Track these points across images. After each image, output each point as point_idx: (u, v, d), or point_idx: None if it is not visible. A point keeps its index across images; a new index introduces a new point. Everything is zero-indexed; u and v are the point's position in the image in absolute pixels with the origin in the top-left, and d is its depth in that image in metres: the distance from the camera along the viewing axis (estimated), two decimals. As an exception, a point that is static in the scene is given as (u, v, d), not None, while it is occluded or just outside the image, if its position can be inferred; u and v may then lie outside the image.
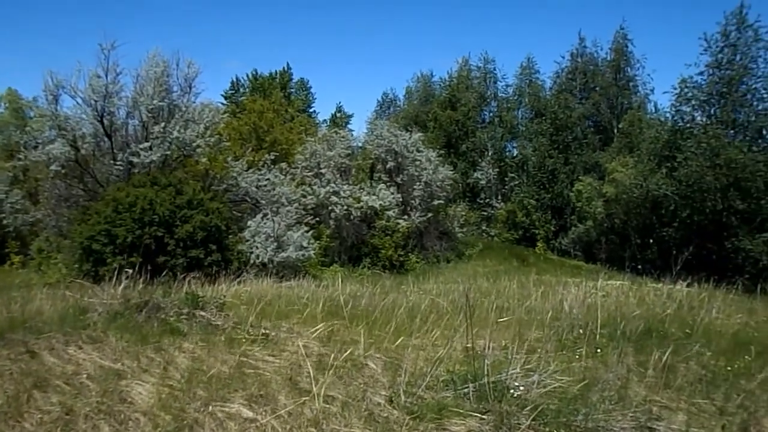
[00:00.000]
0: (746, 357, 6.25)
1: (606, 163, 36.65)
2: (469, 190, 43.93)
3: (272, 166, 24.76)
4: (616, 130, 42.12)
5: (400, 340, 6.05)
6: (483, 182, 43.39)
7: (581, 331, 6.91)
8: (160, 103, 20.92)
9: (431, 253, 30.04)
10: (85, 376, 4.89)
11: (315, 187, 27.31)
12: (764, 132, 29.03)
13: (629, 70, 44.30)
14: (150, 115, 20.85)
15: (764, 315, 10.02)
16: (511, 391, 4.32)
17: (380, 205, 27.71)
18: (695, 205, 27.51)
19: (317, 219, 25.81)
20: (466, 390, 4.39)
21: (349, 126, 54.03)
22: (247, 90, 52.57)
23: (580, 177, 38.09)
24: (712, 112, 29.83)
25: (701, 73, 29.96)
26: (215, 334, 6.29)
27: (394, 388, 4.54)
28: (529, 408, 4.03)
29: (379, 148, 30.79)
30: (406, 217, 29.01)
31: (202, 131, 21.32)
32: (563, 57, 45.89)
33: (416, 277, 19.35)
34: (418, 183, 30.19)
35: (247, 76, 54.26)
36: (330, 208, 27.17)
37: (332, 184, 27.77)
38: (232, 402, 4.30)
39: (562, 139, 40.07)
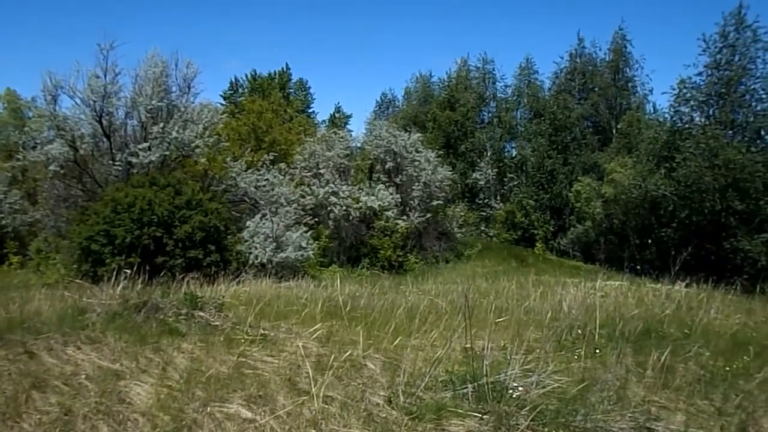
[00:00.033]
0: (745, 357, 6.26)
1: (605, 164, 36.69)
2: (468, 190, 43.95)
3: (271, 167, 24.76)
4: (614, 131, 42.17)
5: (399, 341, 6.05)
6: (482, 183, 43.43)
7: (580, 331, 6.91)
8: (159, 104, 20.91)
9: (430, 254, 30.06)
10: (83, 376, 4.88)
11: (314, 188, 27.33)
12: (763, 132, 29.06)
13: (628, 70, 44.40)
14: (149, 115, 20.84)
15: (763, 315, 10.02)
16: (510, 391, 4.32)
17: (379, 205, 27.72)
18: (694, 205, 27.54)
19: (316, 219, 25.81)
20: (464, 390, 4.39)
21: (348, 126, 54.14)
22: (246, 90, 52.60)
23: (578, 177, 38.13)
24: (710, 112, 29.88)
25: (700, 74, 30.07)
26: (214, 334, 6.29)
27: (392, 388, 4.54)
28: (527, 408, 4.03)
29: (378, 149, 30.81)
30: (405, 217, 29.03)
31: (200, 131, 21.32)
32: (562, 57, 46.08)
33: (415, 278, 19.35)
34: (417, 183, 30.21)
35: (246, 76, 54.37)
36: (329, 208, 27.18)
37: (331, 185, 27.78)
38: (230, 402, 4.30)
39: (560, 139, 40.11)
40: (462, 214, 36.77)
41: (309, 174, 28.70)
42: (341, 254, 27.11)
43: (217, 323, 6.72)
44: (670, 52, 79.43)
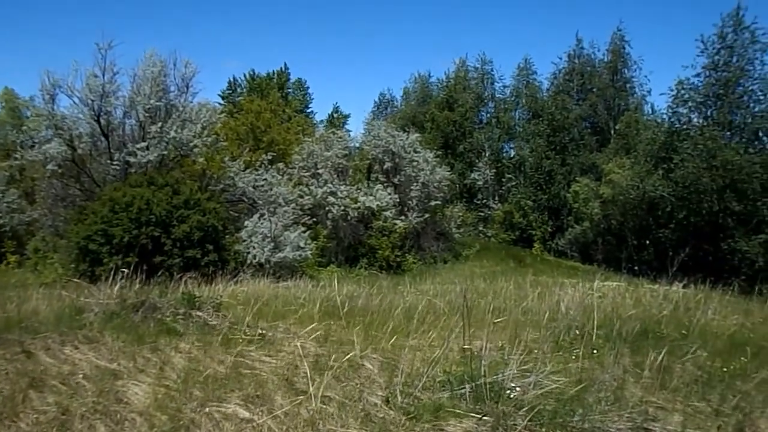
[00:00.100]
0: (742, 358, 6.27)
1: (603, 165, 36.71)
2: (466, 190, 43.96)
3: (269, 167, 24.75)
4: (613, 132, 42.19)
5: (397, 341, 6.05)
6: (480, 183, 43.43)
7: (578, 332, 6.92)
8: (157, 103, 20.90)
9: (428, 254, 30.06)
10: (81, 376, 4.88)
11: (312, 188, 27.32)
12: (760, 134, 29.12)
13: (626, 71, 44.40)
14: (147, 114, 20.83)
15: (760, 316, 10.04)
16: (508, 391, 4.33)
17: (377, 205, 27.71)
18: (692, 206, 27.59)
19: (314, 219, 25.80)
20: (462, 391, 4.39)
21: (346, 126, 54.12)
22: (245, 90, 52.57)
23: (576, 178, 38.16)
24: (708, 113, 29.93)
25: (698, 75, 30.12)
26: (212, 334, 6.28)
27: (390, 388, 4.54)
28: (525, 409, 4.03)
29: (376, 149, 30.81)
30: (403, 217, 29.04)
31: (199, 131, 21.31)
32: (560, 58, 46.07)
33: (413, 278, 19.34)
34: (415, 183, 30.21)
35: (245, 76, 54.36)
36: (327, 208, 27.17)
37: (329, 185, 27.77)
38: (228, 402, 4.30)
39: (559, 140, 40.14)
40: (460, 214, 36.76)
41: (307, 174, 28.70)
42: (339, 254, 27.11)
43: (215, 323, 6.72)
44: (668, 53, 79.72)
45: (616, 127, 41.53)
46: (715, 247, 26.52)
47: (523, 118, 47.81)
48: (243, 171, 23.54)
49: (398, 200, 29.08)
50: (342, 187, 27.96)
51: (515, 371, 4.58)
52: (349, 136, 36.41)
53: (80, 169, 20.94)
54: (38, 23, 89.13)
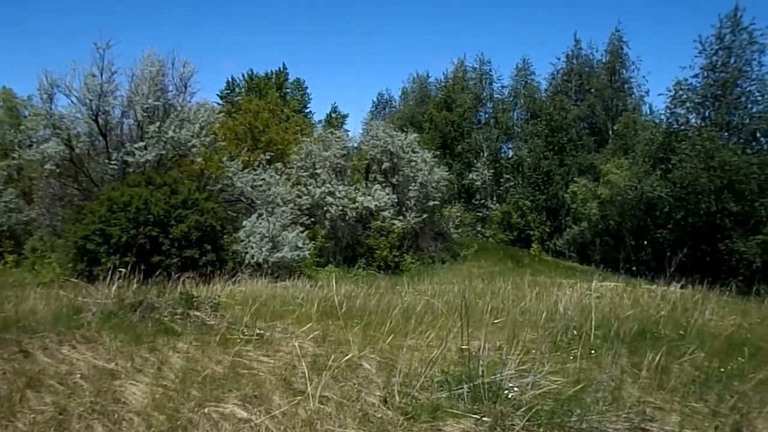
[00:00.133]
0: (739, 358, 6.27)
1: (601, 165, 36.73)
2: (465, 191, 43.97)
3: (267, 166, 24.76)
4: (611, 132, 42.20)
5: (394, 341, 6.05)
6: (478, 183, 43.45)
7: (575, 332, 6.92)
8: (156, 103, 20.87)
9: (426, 254, 30.07)
10: (78, 375, 4.87)
11: (310, 188, 27.33)
12: (758, 134, 29.16)
13: (624, 72, 44.39)
14: (145, 114, 20.81)
15: (758, 317, 10.05)
16: (506, 392, 4.33)
17: (375, 205, 27.72)
18: (689, 207, 27.62)
19: (312, 219, 25.79)
20: (460, 391, 4.39)
21: (344, 126, 54.10)
22: (243, 90, 52.55)
23: (575, 178, 38.16)
24: (706, 114, 29.96)
25: (696, 76, 30.16)
26: (210, 334, 6.28)
27: (388, 388, 4.54)
28: (523, 409, 4.03)
29: (374, 149, 30.82)
30: (401, 217, 29.04)
31: (197, 131, 21.29)
32: (558, 58, 46.00)
33: (411, 278, 19.34)
34: (413, 184, 30.21)
35: (243, 76, 54.33)
36: (325, 208, 27.17)
37: (328, 185, 27.77)
38: (226, 402, 4.30)
39: (557, 140, 40.15)
40: (458, 214, 36.77)
41: (305, 174, 28.70)
42: (337, 254, 27.11)
43: (213, 323, 6.71)
44: (666, 54, 79.74)
45: (614, 128, 41.53)
46: (712, 248, 26.56)
47: (521, 118, 47.80)
48: (241, 171, 23.52)
49: (396, 200, 29.08)
50: (340, 187, 27.97)
51: (513, 371, 4.58)
52: (348, 136, 36.41)
53: (78, 168, 20.92)
54: (36, 22, 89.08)
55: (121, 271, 7.84)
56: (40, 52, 79.28)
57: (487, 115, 48.68)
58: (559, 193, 38.92)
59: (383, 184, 29.54)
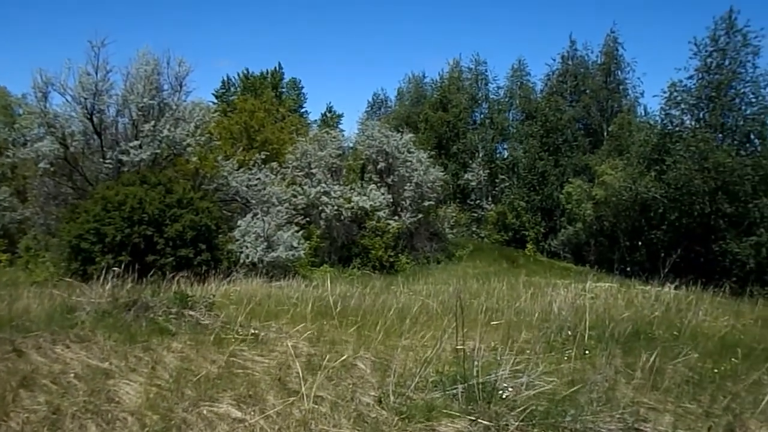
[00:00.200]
0: (733, 359, 6.30)
1: (596, 166, 36.83)
2: (460, 191, 44.02)
3: (263, 166, 24.73)
4: (605, 133, 42.34)
5: (389, 341, 6.05)
6: (473, 183, 43.50)
7: (570, 332, 6.94)
8: (151, 102, 20.81)
9: (421, 254, 30.08)
10: (72, 375, 4.86)
11: (306, 187, 27.30)
12: (752, 136, 29.33)
13: (619, 73, 44.53)
14: (140, 113, 20.75)
15: (751, 317, 10.10)
16: (500, 392, 4.33)
17: (371, 205, 27.72)
18: (684, 208, 27.73)
19: (307, 219, 25.78)
20: (455, 391, 4.39)
21: (339, 126, 54.09)
22: (238, 89, 52.43)
23: (569, 179, 38.26)
24: (700, 115, 30.07)
25: (690, 77, 30.25)
26: (204, 333, 6.27)
27: (383, 388, 4.54)
28: (518, 409, 4.04)
29: (370, 149, 30.82)
30: (396, 217, 29.04)
31: (192, 130, 21.25)
32: (554, 59, 46.09)
33: (406, 278, 19.37)
34: (408, 184, 30.23)
35: (239, 75, 54.20)
36: (320, 208, 27.16)
37: (323, 185, 27.76)
38: (220, 402, 4.29)
39: (552, 141, 40.24)
40: (453, 214, 36.83)
41: (301, 174, 28.67)
42: (332, 254, 27.10)
43: (207, 322, 6.70)
44: (661, 55, 79.98)
45: (609, 129, 41.66)
46: (706, 249, 26.67)
47: (516, 119, 47.88)
48: (236, 170, 23.49)
49: (392, 200, 29.09)
50: (335, 187, 27.96)
51: (508, 372, 4.58)
52: (343, 136, 36.43)
53: (72, 167, 20.84)
54: (31, 21, 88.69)
55: (115, 271, 7.82)
56: (35, 50, 79.04)
57: (482, 116, 48.76)
58: (554, 193, 39.01)
59: (378, 184, 29.54)
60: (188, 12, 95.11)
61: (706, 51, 29.48)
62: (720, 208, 26.62)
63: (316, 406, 4.17)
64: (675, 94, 30.33)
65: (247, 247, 19.92)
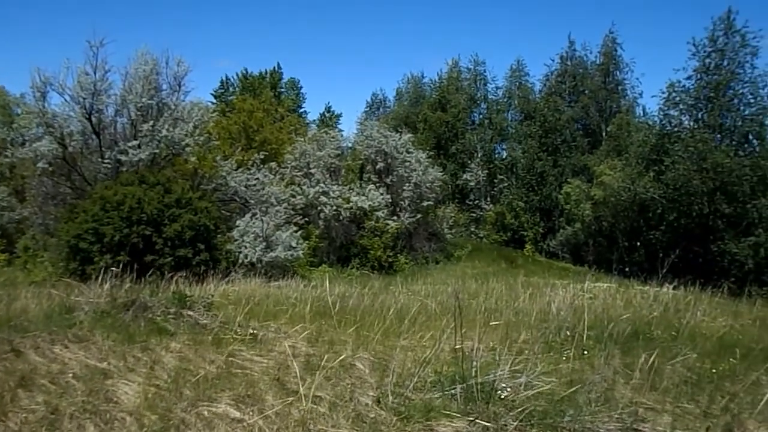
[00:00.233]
0: (731, 359, 6.30)
1: (594, 166, 36.85)
2: (459, 191, 44.04)
3: (261, 166, 24.71)
4: (604, 134, 42.36)
5: (388, 341, 6.05)
6: (472, 184, 43.53)
7: (568, 333, 6.94)
8: (149, 101, 20.79)
9: (420, 254, 30.09)
10: (70, 375, 4.85)
11: (304, 187, 27.30)
12: (750, 137, 29.36)
13: (618, 73, 44.56)
14: (139, 113, 20.73)
15: (749, 318, 10.11)
16: (499, 392, 4.33)
17: (369, 205, 27.73)
18: (682, 208, 27.75)
19: (306, 219, 25.78)
20: (453, 391, 4.39)
21: (338, 126, 54.09)
22: (237, 89, 52.41)
23: (568, 179, 38.28)
24: (699, 116, 30.09)
25: (689, 78, 30.28)
26: (203, 333, 6.26)
27: (381, 388, 4.54)
28: (516, 410, 4.04)
29: (369, 149, 30.83)
30: (395, 217, 29.05)
31: (191, 130, 21.23)
32: (553, 60, 46.16)
33: (405, 278, 19.35)
34: (407, 184, 30.25)
35: (237, 75, 54.20)
36: (319, 208, 27.16)
37: (322, 185, 27.76)
38: (219, 402, 4.29)
39: (551, 141, 40.28)
40: (452, 215, 36.83)
41: (299, 173, 28.67)
42: (331, 254, 27.09)
43: (206, 322, 6.70)
44: (660, 56, 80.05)
45: (608, 129, 41.69)
46: (705, 249, 26.69)
47: (515, 119, 47.87)
48: (235, 170, 23.47)
49: (390, 200, 29.09)
50: (334, 187, 27.97)
51: (506, 372, 4.58)
52: (342, 136, 36.46)
53: (71, 167, 20.82)
54: (30, 21, 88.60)
55: (113, 271, 7.81)
56: (34, 50, 78.97)
57: (481, 116, 48.78)
58: (553, 194, 39.04)
59: (377, 184, 29.55)
60: (188, 12, 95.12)
61: (704, 51, 29.53)
62: (718, 208, 26.66)
63: (315, 406, 4.17)
64: (673, 94, 30.37)
65: (245, 247, 19.92)
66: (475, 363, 4.53)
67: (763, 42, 30.69)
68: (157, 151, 20.61)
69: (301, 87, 57.66)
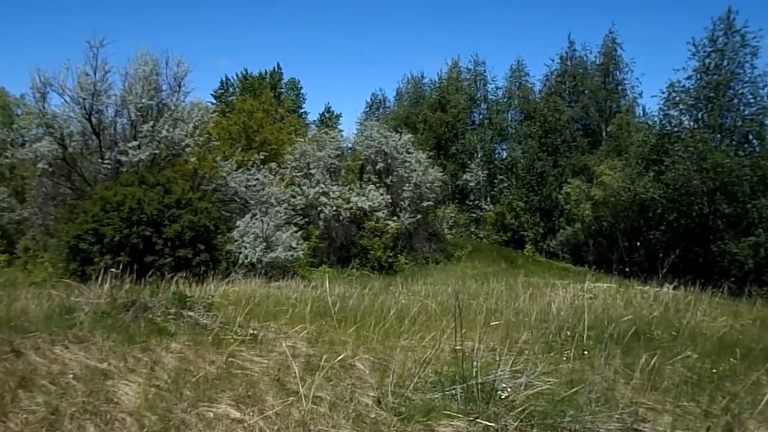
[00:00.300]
0: (731, 359, 6.30)
1: (594, 166, 36.84)
2: (459, 191, 44.03)
3: (261, 166, 24.69)
4: (604, 134, 42.36)
5: (388, 341, 6.05)
6: (472, 184, 43.52)
7: (569, 333, 6.94)
8: (149, 102, 20.78)
9: (420, 255, 30.08)
10: (71, 375, 4.85)
11: (304, 188, 27.30)
12: (750, 137, 29.35)
13: (618, 73, 44.53)
14: (139, 113, 20.72)
15: (749, 318, 10.11)
16: (499, 392, 4.33)
17: (369, 206, 27.72)
18: (682, 208, 27.75)
19: (306, 219, 25.77)
20: (454, 391, 4.40)
21: (338, 126, 54.09)
22: (237, 89, 52.41)
23: (568, 180, 38.27)
24: (699, 116, 30.08)
25: (689, 78, 30.26)
26: (203, 334, 6.27)
27: (382, 389, 4.54)
28: (517, 410, 4.04)
29: (369, 149, 30.83)
30: (395, 218, 29.05)
31: (191, 130, 21.22)
32: (553, 60, 46.16)
33: (405, 279, 19.36)
34: (407, 184, 30.25)
35: (237, 75, 54.20)
36: (319, 208, 27.16)
37: (322, 185, 27.76)
38: (219, 402, 4.29)
39: (551, 141, 40.27)
40: (452, 215, 36.83)
41: (299, 174, 28.67)
42: (331, 254, 27.09)
43: (206, 323, 6.70)
44: (660, 56, 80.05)
45: (608, 129, 41.68)
46: (705, 249, 26.69)
47: (515, 119, 47.84)
48: (235, 171, 23.46)
49: (390, 201, 29.09)
50: (334, 188, 27.96)
51: (507, 372, 4.59)
52: (342, 136, 36.46)
53: (71, 167, 20.80)
54: (30, 21, 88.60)
55: (113, 271, 7.81)
56: (34, 50, 78.98)
57: (481, 116, 48.76)
58: (553, 194, 39.03)
59: (377, 185, 29.55)
60: (188, 12, 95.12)
61: (704, 51, 29.51)
62: (718, 208, 26.66)
63: (315, 407, 4.17)
64: (673, 94, 30.36)
65: (245, 248, 19.91)
66: (475, 363, 4.53)
67: (763, 42, 30.73)
68: (157, 151, 20.60)
69: (301, 87, 57.75)
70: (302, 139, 31.47)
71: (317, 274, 22.36)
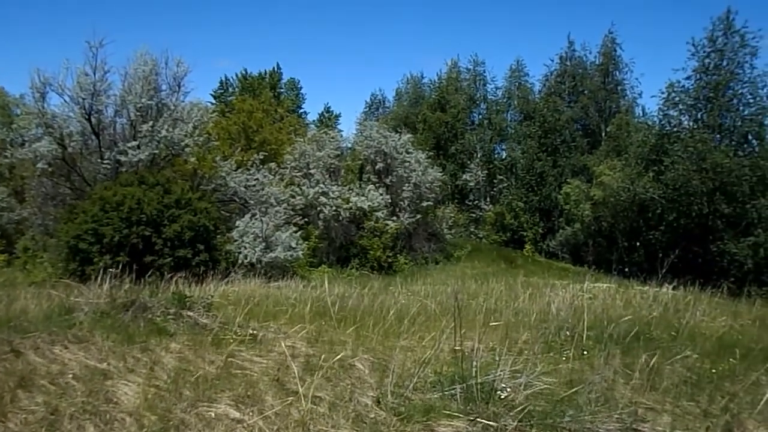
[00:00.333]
0: (731, 359, 6.31)
1: (594, 167, 36.83)
2: (458, 191, 44.02)
3: (261, 166, 24.68)
4: (604, 134, 42.35)
5: (387, 341, 6.05)
6: (472, 184, 43.51)
7: (568, 333, 6.94)
8: (149, 102, 20.77)
9: (420, 255, 30.08)
10: (70, 375, 4.85)
11: (304, 188, 27.30)
12: (750, 137, 29.36)
13: (617, 73, 44.50)
14: (138, 113, 20.71)
15: (749, 318, 10.11)
16: (499, 392, 4.34)
17: (369, 206, 27.71)
18: (682, 208, 27.76)
19: (306, 219, 25.77)
20: (453, 391, 4.40)
21: (338, 126, 54.08)
22: (237, 89, 52.41)
23: (568, 180, 38.26)
24: (698, 116, 30.10)
25: (688, 78, 30.27)
26: (202, 334, 6.26)
27: (381, 389, 4.54)
28: (516, 410, 4.04)
29: (368, 149, 30.83)
30: (394, 218, 29.05)
31: (190, 130, 21.21)
32: (552, 60, 46.11)
33: (404, 279, 19.35)
34: (407, 184, 30.24)
35: (237, 75, 54.19)
36: (319, 208, 27.15)
37: (321, 185, 27.75)
38: (218, 402, 4.29)
39: (550, 141, 40.26)
40: (452, 215, 36.83)
41: (299, 174, 28.67)
42: (331, 254, 27.09)
43: (206, 323, 6.70)
44: (659, 56, 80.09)
45: (607, 129, 41.68)
46: (704, 249, 26.70)
47: (514, 119, 47.82)
48: (234, 171, 23.45)
49: (390, 201, 29.08)
50: (334, 188, 27.96)
51: (506, 372, 4.59)
52: (341, 136, 36.44)
53: (71, 167, 20.79)
54: (30, 21, 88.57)
55: (113, 271, 7.81)
56: (33, 50, 78.95)
57: (480, 116, 48.74)
58: (552, 194, 39.02)
59: (377, 185, 29.54)
60: (188, 12, 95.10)
61: (704, 52, 29.52)
62: (718, 208, 26.67)
63: (315, 407, 4.17)
64: (673, 94, 30.37)
65: (245, 248, 19.91)
66: (475, 363, 4.53)
67: (763, 42, 30.82)
68: (156, 151, 20.59)
69: (300, 87, 57.74)
70: (302, 139, 31.47)
71: (317, 274, 22.36)
